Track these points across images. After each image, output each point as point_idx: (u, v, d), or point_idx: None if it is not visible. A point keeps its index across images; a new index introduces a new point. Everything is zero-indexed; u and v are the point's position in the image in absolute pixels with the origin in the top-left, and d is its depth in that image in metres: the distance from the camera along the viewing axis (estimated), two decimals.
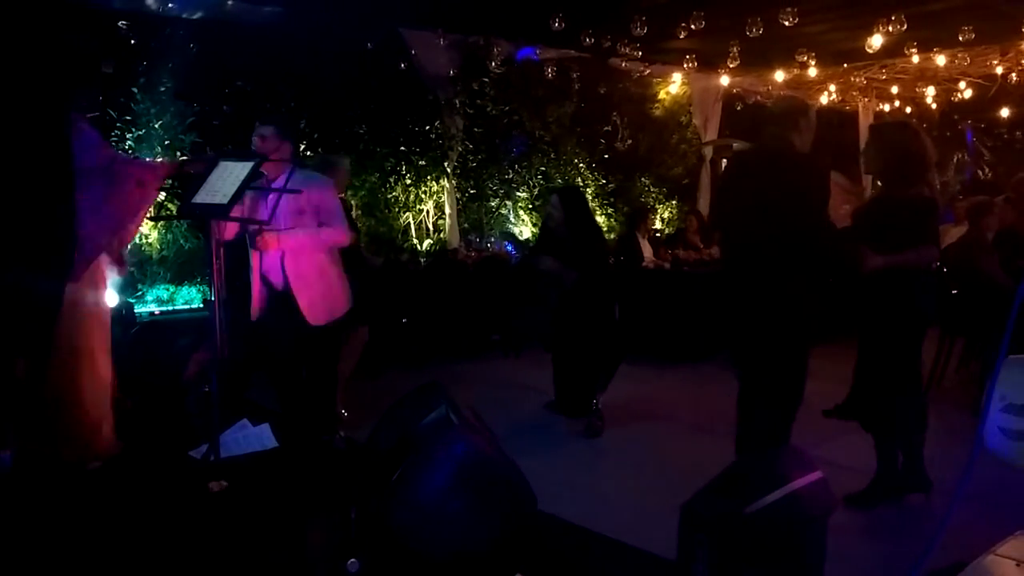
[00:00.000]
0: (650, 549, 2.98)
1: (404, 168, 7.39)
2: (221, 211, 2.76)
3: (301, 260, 3.72)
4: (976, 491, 1.37)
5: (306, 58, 6.52)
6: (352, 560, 2.08)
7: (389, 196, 7.38)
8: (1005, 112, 10.36)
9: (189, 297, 6.11)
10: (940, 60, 7.67)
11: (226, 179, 2.66)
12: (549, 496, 2.75)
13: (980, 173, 13.18)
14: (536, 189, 8.51)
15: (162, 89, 5.91)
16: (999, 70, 7.96)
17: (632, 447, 4.68)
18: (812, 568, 2.34)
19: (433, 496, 2.25)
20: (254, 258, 3.73)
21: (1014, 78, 8.08)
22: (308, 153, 6.71)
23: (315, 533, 2.40)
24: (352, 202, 7.12)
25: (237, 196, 2.86)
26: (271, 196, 3.50)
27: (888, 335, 3.57)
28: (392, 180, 7.35)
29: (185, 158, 5.50)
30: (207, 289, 2.97)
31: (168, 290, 6.06)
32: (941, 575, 1.65)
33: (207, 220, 3.00)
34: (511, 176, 8.27)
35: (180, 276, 6.09)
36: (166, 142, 5.94)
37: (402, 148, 7.34)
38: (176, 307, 6.03)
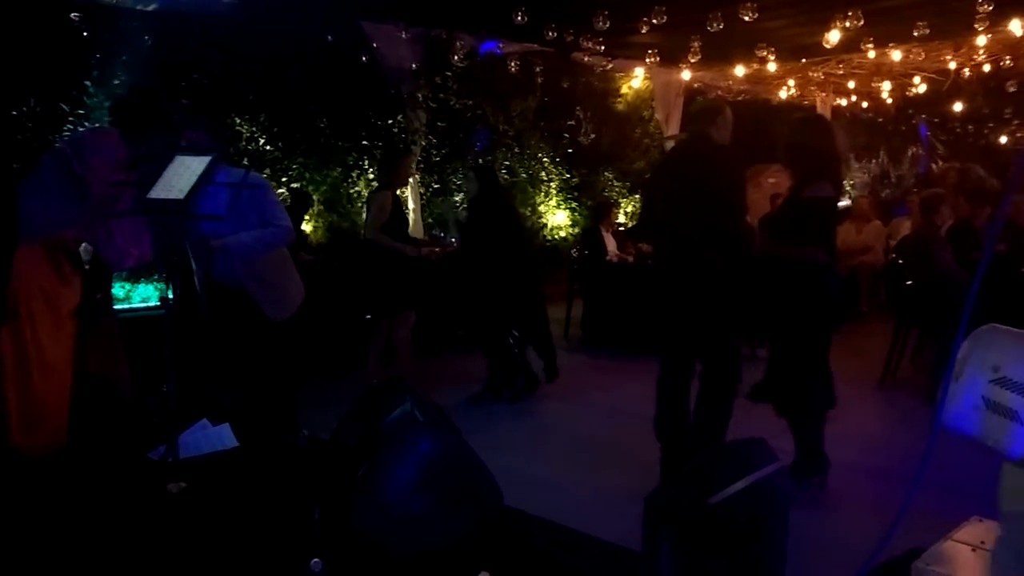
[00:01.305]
0: (616, 541, 3.00)
1: (366, 163, 7.32)
2: (179, 207, 2.70)
3: (253, 259, 3.66)
4: (932, 478, 1.39)
5: (265, 51, 6.42)
6: (315, 560, 2.05)
7: (351, 191, 7.31)
8: (958, 107, 10.59)
9: (146, 295, 5.99)
10: (896, 55, 7.82)
11: (183, 174, 2.60)
12: (515, 491, 2.75)
13: (934, 167, 13.47)
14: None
15: (116, 82, 5.77)
16: (952, 65, 8.14)
17: (595, 440, 4.70)
18: (775, 556, 2.36)
19: (398, 494, 2.23)
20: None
21: (967, 73, 8.26)
22: (268, 148, 6.62)
23: (277, 533, 2.36)
24: (314, 197, 7.04)
25: (195, 191, 2.79)
26: (223, 192, 3.43)
27: (796, 327, 3.74)
28: (354, 175, 7.28)
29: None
30: (164, 287, 2.90)
31: (124, 288, 5.93)
32: (899, 561, 1.68)
33: (163, 216, 2.93)
34: None
35: (137, 273, 5.96)
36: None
37: (364, 142, 7.27)
38: (133, 305, 5.91)
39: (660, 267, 3.90)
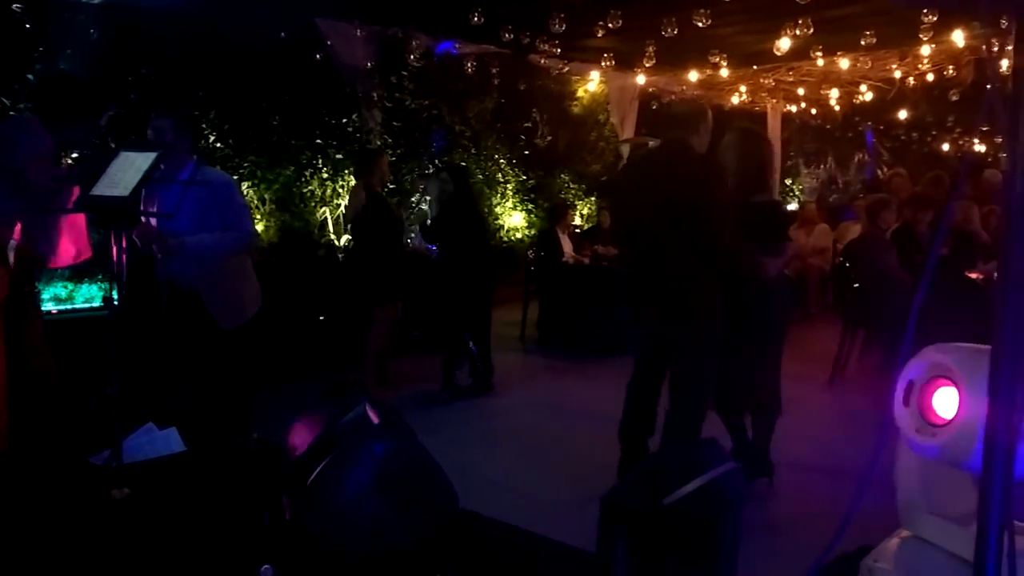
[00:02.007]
0: (571, 542, 3.00)
1: (320, 162, 7.22)
2: (123, 204, 2.62)
3: (208, 264, 3.55)
4: (881, 476, 1.42)
5: (216, 46, 6.28)
6: (266, 566, 2.00)
7: (305, 190, 7.20)
8: (903, 114, 10.90)
9: (90, 295, 5.81)
10: (843, 64, 8.01)
11: (127, 170, 2.51)
12: (471, 493, 2.73)
13: (880, 173, 13.84)
14: None
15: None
16: (897, 74, 8.37)
17: (551, 441, 4.70)
18: (728, 555, 2.39)
19: (352, 498, 2.19)
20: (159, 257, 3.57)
21: (911, 82, 8.50)
22: (218, 145, 6.48)
23: (226, 539, 2.30)
24: (265, 196, 6.92)
25: (140, 188, 2.71)
26: (172, 190, 3.34)
27: (753, 333, 3.76)
28: (308, 174, 7.17)
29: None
30: (108, 287, 2.81)
31: (67, 288, 5.75)
32: (849, 558, 1.71)
33: (107, 214, 2.84)
34: (432, 172, 8.20)
35: (80, 273, 5.78)
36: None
37: (318, 141, 7.17)
38: (76, 306, 5.73)
39: (631, 275, 3.79)
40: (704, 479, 2.23)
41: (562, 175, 9.85)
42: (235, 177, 6.60)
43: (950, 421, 1.48)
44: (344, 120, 7.29)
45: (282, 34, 6.75)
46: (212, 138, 6.45)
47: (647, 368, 3.86)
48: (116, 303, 2.78)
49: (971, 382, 1.46)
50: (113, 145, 5.25)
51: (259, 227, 6.84)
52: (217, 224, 3.49)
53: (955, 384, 1.50)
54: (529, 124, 9.31)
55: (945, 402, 1.51)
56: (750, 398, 3.89)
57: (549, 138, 9.52)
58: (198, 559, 2.26)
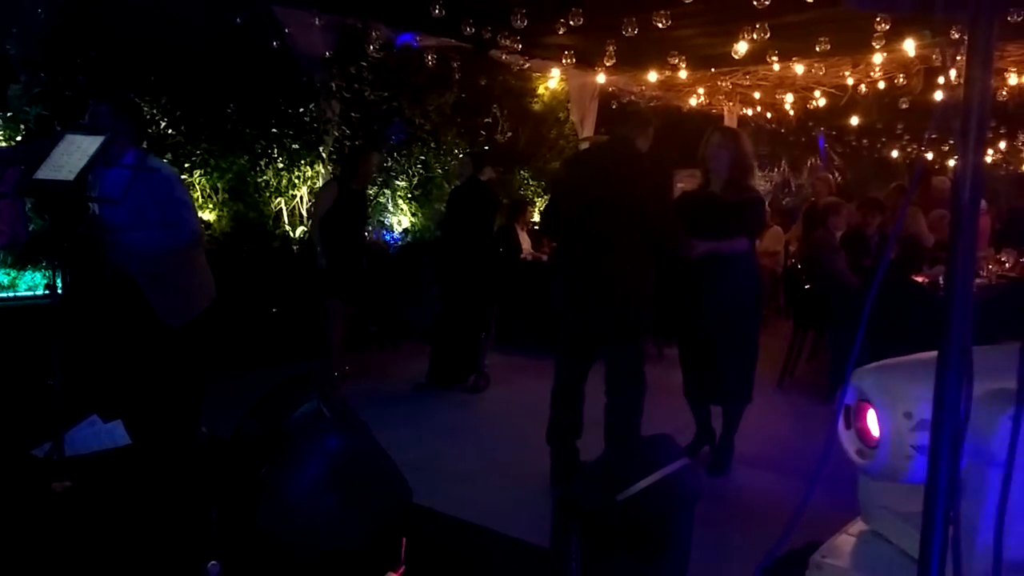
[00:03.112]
0: (525, 538, 3.00)
1: (276, 151, 7.09)
2: (68, 189, 2.53)
3: (150, 260, 3.44)
4: (829, 474, 1.44)
5: (170, 31, 6.12)
6: (213, 562, 1.95)
7: (259, 180, 7.06)
8: (854, 120, 11.14)
9: (33, 283, 5.61)
10: (798, 69, 8.15)
11: (72, 154, 2.43)
12: (425, 489, 2.71)
13: (831, 177, 14.15)
14: (416, 178, 8.40)
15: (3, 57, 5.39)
16: (850, 81, 8.55)
17: (506, 437, 4.70)
18: (680, 551, 2.42)
19: (303, 493, 2.16)
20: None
21: (863, 89, 8.70)
22: (170, 132, 6.32)
23: (171, 535, 2.25)
24: (218, 185, 6.78)
25: (85, 173, 2.62)
26: (114, 176, 3.24)
27: (735, 317, 3.97)
28: (263, 163, 7.03)
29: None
30: (52, 275, 2.70)
31: (9, 275, 5.55)
32: (798, 554, 1.74)
33: (51, 199, 2.74)
34: (390, 164, 8.11)
35: (23, 260, 5.58)
36: (8, 114, 5.42)
37: (274, 130, 7.03)
38: (18, 293, 5.53)
39: (572, 267, 3.82)
40: (658, 475, 2.25)
41: (521, 172, 9.84)
42: (187, 165, 6.45)
43: (878, 442, 1.52)
44: (301, 110, 7.16)
45: (238, 20, 6.61)
46: (163, 124, 6.28)
47: (572, 371, 3.90)
48: (60, 292, 2.69)
49: (883, 402, 1.50)
50: (59, 128, 5.08)
51: (211, 217, 6.69)
52: (157, 218, 3.37)
53: (873, 406, 1.53)
54: (489, 120, 9.28)
55: (873, 424, 1.55)
56: (723, 387, 3.99)
57: (509, 134, 9.50)
58: (143, 555, 2.20)
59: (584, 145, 9.96)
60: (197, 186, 6.57)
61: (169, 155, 6.24)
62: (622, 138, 3.86)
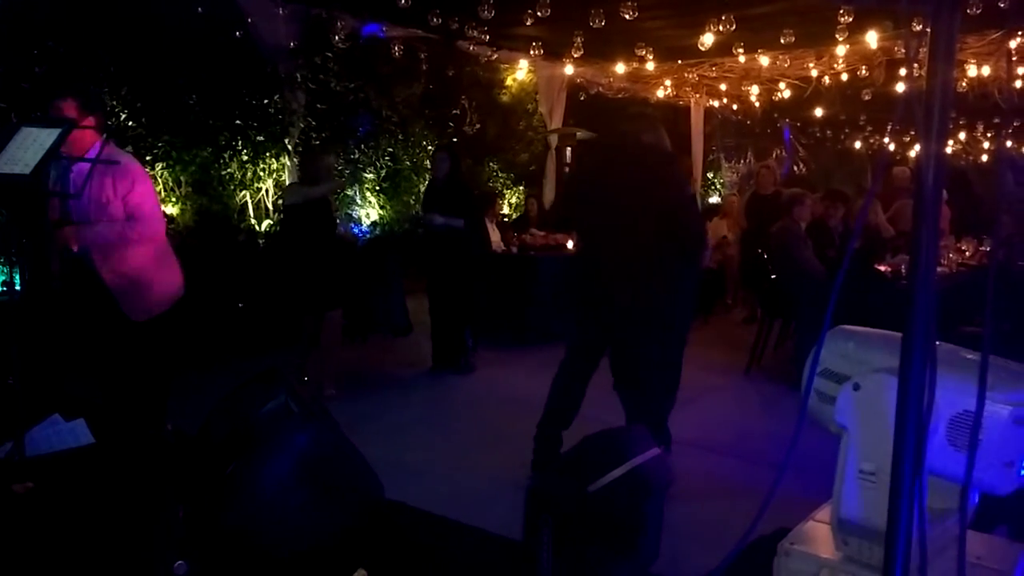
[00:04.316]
0: (498, 531, 3.00)
1: (240, 143, 6.99)
2: (26, 182, 2.46)
3: (113, 255, 3.37)
4: (797, 462, 1.46)
5: (130, 19, 5.98)
6: (180, 562, 1.92)
7: (223, 173, 6.95)
8: (818, 112, 11.28)
9: None
10: (764, 61, 8.23)
11: (29, 147, 2.36)
12: (397, 483, 2.70)
13: (795, 168, 14.35)
14: (384, 171, 8.33)
15: None
16: (814, 73, 8.66)
17: (477, 430, 4.70)
18: (650, 540, 2.43)
19: (272, 490, 2.13)
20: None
21: (827, 81, 8.81)
22: (131, 124, 6.19)
23: (137, 535, 2.21)
24: (181, 178, 6.66)
25: (43, 166, 2.56)
26: (78, 169, 3.16)
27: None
28: (227, 156, 6.93)
29: None
30: (9, 270, 2.63)
31: None
32: (767, 541, 1.75)
33: (8, 193, 2.67)
34: (357, 156, 8.04)
35: None
36: None
37: (238, 122, 6.93)
38: None
39: (592, 265, 3.82)
40: (629, 466, 2.26)
41: (490, 164, 9.83)
42: (148, 157, 6.33)
43: None
44: (266, 101, 7.06)
45: (200, 9, 6.48)
46: (124, 116, 6.15)
47: (581, 365, 3.87)
48: (18, 288, 2.63)
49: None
50: (15, 120, 4.94)
51: (174, 211, 6.58)
52: (120, 211, 3.30)
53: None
54: (457, 111, 9.24)
55: None
56: (659, 375, 4.04)
57: (478, 126, 9.47)
58: (107, 557, 2.16)
59: (553, 137, 9.97)
60: (160, 179, 6.45)
61: (130, 147, 6.12)
62: (630, 134, 3.90)
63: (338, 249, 5.55)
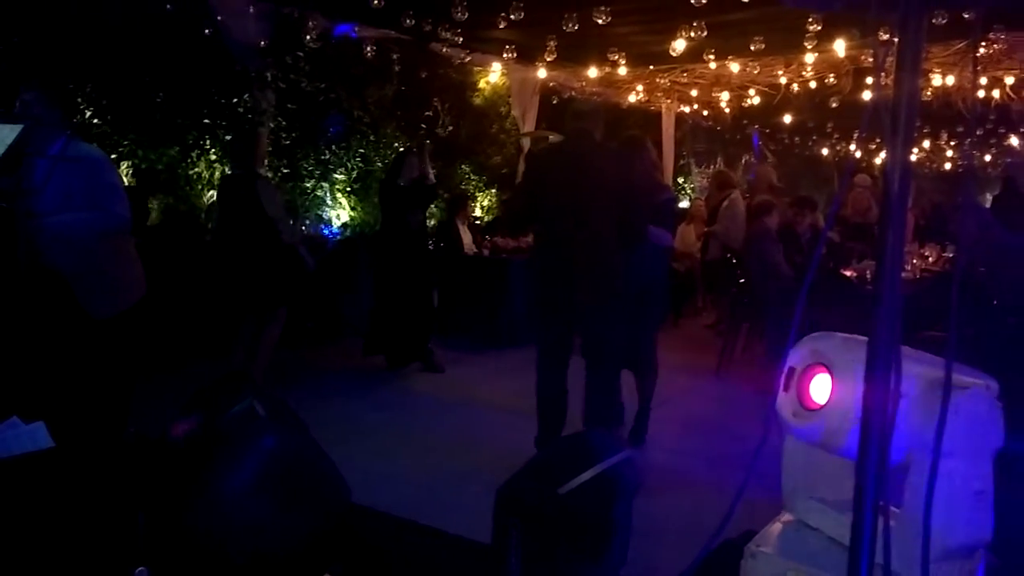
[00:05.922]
0: (466, 534, 2.99)
1: (208, 142, 6.89)
2: None
3: (75, 247, 3.31)
4: (765, 465, 1.47)
5: (95, 15, 5.87)
6: (140, 568, 1.88)
7: (191, 172, 6.85)
8: (787, 119, 11.42)
9: None
10: (734, 68, 8.31)
11: None
12: (364, 487, 2.67)
13: (772, 171, 14.47)
14: (355, 172, 8.27)
15: None
16: (783, 80, 8.76)
17: (446, 432, 4.68)
18: (619, 542, 2.44)
19: (237, 495, 2.09)
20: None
21: (795, 88, 8.92)
22: (95, 121, 6.08)
23: (96, 541, 2.16)
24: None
25: (5, 163, 2.50)
26: (42, 163, 3.10)
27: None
28: (194, 155, 6.83)
29: None
30: None
31: None
32: (734, 543, 1.76)
33: None
34: (328, 157, 7.97)
35: None
36: None
37: (206, 121, 6.83)
38: None
39: (552, 257, 3.90)
40: (598, 468, 2.26)
41: (463, 166, 9.80)
42: (114, 156, 6.21)
43: (823, 406, 1.56)
44: (235, 100, 6.98)
45: (168, 6, 6.38)
46: (88, 114, 6.04)
47: (552, 360, 3.94)
48: None
49: (842, 369, 1.54)
50: None
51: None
52: (84, 204, 3.24)
53: (829, 371, 1.58)
54: (430, 113, 9.21)
55: (820, 388, 1.59)
56: (635, 358, 4.24)
57: (451, 128, 9.44)
58: (67, 563, 2.11)
59: (526, 140, 9.97)
60: (125, 178, 6.34)
61: (95, 145, 6.01)
62: (584, 132, 3.97)
63: (278, 247, 5.18)
